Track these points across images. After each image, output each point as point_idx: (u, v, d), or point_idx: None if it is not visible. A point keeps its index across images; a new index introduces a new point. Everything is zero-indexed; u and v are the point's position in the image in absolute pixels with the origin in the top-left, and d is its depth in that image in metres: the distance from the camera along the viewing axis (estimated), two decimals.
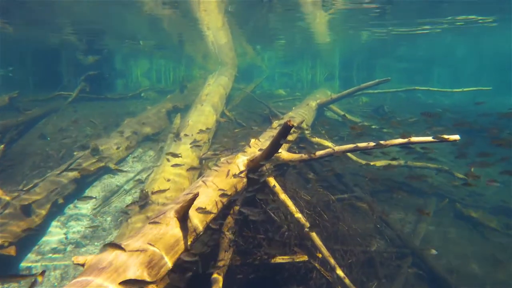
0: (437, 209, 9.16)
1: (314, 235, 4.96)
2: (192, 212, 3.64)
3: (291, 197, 6.23)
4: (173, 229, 3.36)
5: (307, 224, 5.03)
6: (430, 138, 4.46)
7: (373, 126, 13.49)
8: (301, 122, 8.52)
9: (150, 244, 3.11)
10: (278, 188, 5.40)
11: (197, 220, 3.65)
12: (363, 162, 9.32)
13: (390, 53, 28.75)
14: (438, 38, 22.50)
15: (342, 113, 14.13)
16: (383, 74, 14.54)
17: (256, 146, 5.86)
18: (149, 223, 3.41)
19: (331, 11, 14.11)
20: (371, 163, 9.31)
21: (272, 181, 5.48)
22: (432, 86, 15.88)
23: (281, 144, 4.24)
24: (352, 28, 18.22)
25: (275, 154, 5.35)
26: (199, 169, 8.46)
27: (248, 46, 23.02)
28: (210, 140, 10.47)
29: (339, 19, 16.00)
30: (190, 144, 8.20)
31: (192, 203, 3.24)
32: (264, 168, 5.57)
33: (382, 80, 10.95)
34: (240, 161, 4.98)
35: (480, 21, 18.07)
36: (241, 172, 4.73)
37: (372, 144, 5.12)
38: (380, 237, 7.95)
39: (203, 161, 9.14)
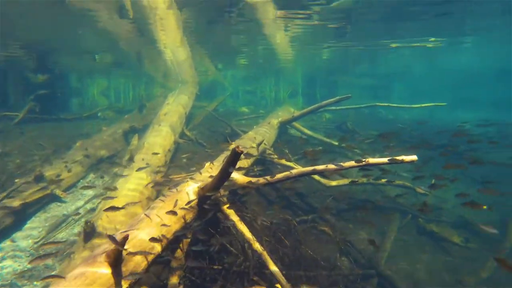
0: (401, 226, 9.19)
1: (271, 263, 4.69)
2: (128, 254, 3.25)
3: (249, 224, 5.95)
4: (101, 277, 2.94)
5: (265, 253, 4.76)
6: (386, 160, 4.38)
7: (335, 143, 13.58)
8: (261, 142, 8.33)
9: None
10: (233, 216, 5.11)
11: (134, 263, 3.26)
12: (324, 181, 9.23)
13: (351, 70, 29.73)
14: (396, 55, 23.54)
15: (306, 130, 14.16)
16: (346, 91, 14.84)
17: (210, 171, 5.56)
18: (77, 268, 2.98)
19: (290, 32, 14.33)
20: (334, 183, 9.24)
21: (227, 208, 5.19)
22: (393, 102, 16.40)
23: (231, 172, 3.98)
24: (313, 46, 18.61)
25: (231, 179, 5.08)
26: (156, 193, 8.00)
27: (210, 64, 22.89)
28: (167, 162, 10.02)
29: (300, 38, 16.27)
30: (137, 169, 7.69)
31: (122, 247, 2.87)
32: (219, 194, 5.27)
33: (343, 97, 11.07)
34: (190, 189, 4.64)
35: (431, 44, 19.20)
36: (189, 203, 4.39)
37: (330, 166, 4.98)
38: (345, 258, 7.83)
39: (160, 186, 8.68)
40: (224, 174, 3.99)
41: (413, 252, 8.40)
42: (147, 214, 3.95)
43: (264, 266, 5.32)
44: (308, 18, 12.91)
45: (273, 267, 4.62)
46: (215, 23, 13.09)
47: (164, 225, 3.83)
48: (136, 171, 7.59)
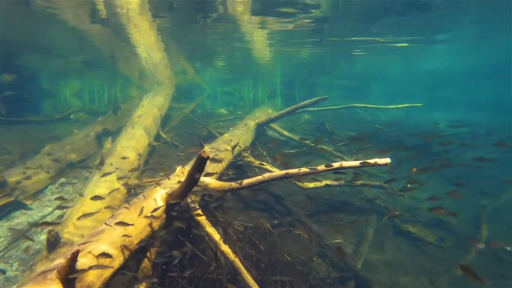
0: (378, 226, 9.24)
1: (243, 270, 4.54)
2: (92, 261, 3.04)
3: (224, 229, 5.80)
4: None
5: (237, 260, 4.62)
6: (358, 163, 4.32)
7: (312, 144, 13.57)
8: (236, 145, 8.18)
9: None
10: (204, 222, 4.94)
11: (91, 278, 3.04)
12: (301, 184, 9.17)
13: (330, 71, 29.97)
14: (372, 56, 23.88)
15: (284, 132, 14.11)
16: (325, 92, 14.89)
17: (182, 176, 5.37)
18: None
19: (267, 30, 14.24)
20: (311, 185, 9.19)
21: (199, 214, 5.01)
22: (371, 103, 16.61)
23: (197, 178, 3.82)
24: (291, 46, 18.60)
25: (203, 184, 4.91)
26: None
27: (187, 64, 22.54)
28: (141, 166, 9.72)
29: (277, 38, 16.23)
30: (103, 175, 7.39)
31: (73, 263, 2.66)
32: (190, 199, 5.09)
33: (320, 98, 11.09)
34: (159, 195, 4.44)
35: (405, 44, 19.61)
36: (155, 210, 4.19)
37: (303, 170, 4.89)
38: (322, 261, 7.78)
39: (132, 190, 8.40)
40: (191, 180, 3.82)
41: (390, 253, 8.45)
42: (108, 224, 3.73)
43: (237, 273, 5.19)
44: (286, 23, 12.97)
45: (246, 275, 4.48)
46: (190, 24, 12.86)
47: (126, 235, 3.61)
48: (102, 176, 7.28)
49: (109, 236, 3.55)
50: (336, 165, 4.53)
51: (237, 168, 9.66)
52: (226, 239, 5.71)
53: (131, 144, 9.88)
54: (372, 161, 4.32)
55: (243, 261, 5.42)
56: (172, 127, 15.53)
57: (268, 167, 8.91)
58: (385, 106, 16.06)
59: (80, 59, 19.55)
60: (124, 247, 3.45)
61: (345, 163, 4.53)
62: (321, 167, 4.69)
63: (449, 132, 15.96)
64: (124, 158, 8.27)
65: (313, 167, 4.84)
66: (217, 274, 5.30)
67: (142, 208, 4.13)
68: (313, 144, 11.72)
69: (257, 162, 8.31)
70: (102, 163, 8.42)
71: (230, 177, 7.87)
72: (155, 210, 4.14)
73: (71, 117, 17.95)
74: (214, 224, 5.36)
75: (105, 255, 3.19)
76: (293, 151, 13.30)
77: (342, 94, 37.92)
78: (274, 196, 9.45)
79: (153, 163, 11.91)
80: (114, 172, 7.22)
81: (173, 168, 7.77)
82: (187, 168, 5.89)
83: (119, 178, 7.68)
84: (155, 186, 4.63)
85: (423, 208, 10.14)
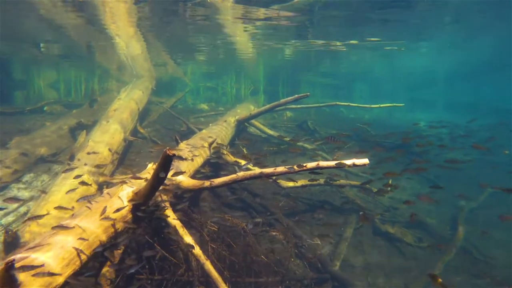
0: (357, 226, 9.20)
1: (213, 273, 4.34)
2: (28, 277, 2.67)
3: (197, 230, 5.59)
4: None
5: (208, 263, 4.41)
6: (334, 164, 4.17)
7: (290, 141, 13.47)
8: (213, 142, 7.95)
9: None
10: (175, 222, 4.71)
11: (39, 283, 2.76)
12: (282, 182, 9.01)
13: (314, 69, 29.93)
14: (357, 56, 23.96)
15: (265, 129, 13.94)
16: (308, 89, 14.88)
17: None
18: None
19: (251, 26, 13.99)
20: (291, 184, 9.04)
21: (170, 213, 4.78)
22: (354, 102, 16.63)
23: (163, 177, 3.58)
24: (274, 42, 18.41)
25: (175, 182, 4.67)
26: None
27: (168, 58, 22.02)
28: (115, 162, 9.36)
29: (260, 34, 16.00)
30: (64, 171, 7.02)
31: (9, 272, 2.37)
32: (160, 198, 4.84)
33: (301, 96, 10.93)
34: (124, 194, 4.17)
35: (389, 47, 19.74)
36: (119, 210, 3.92)
37: (279, 169, 4.72)
38: (300, 262, 7.67)
39: (104, 186, 8.07)
40: (156, 179, 3.58)
41: (368, 253, 8.42)
42: (65, 225, 3.44)
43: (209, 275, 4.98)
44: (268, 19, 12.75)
45: (216, 278, 4.27)
46: (170, 15, 12.48)
47: (82, 238, 3.33)
48: (63, 172, 6.92)
49: (63, 239, 3.26)
50: (312, 164, 4.38)
51: (214, 165, 9.44)
52: (199, 239, 5.50)
53: (105, 139, 9.49)
54: (349, 162, 4.18)
55: (216, 263, 5.22)
56: (151, 122, 15.14)
57: (245, 164, 8.70)
58: (368, 105, 16.06)
59: (56, 49, 18.75)
60: (80, 252, 3.18)
61: (322, 163, 4.37)
62: (297, 167, 4.53)
63: (429, 132, 16.20)
64: (95, 153, 7.90)
65: (290, 166, 4.67)
66: (188, 277, 5.09)
67: (105, 207, 3.85)
68: (292, 142, 11.60)
69: (234, 159, 8.08)
70: (72, 158, 8.04)
71: (205, 174, 7.65)
72: (119, 210, 3.87)
73: (45, 109, 17.20)
74: (187, 224, 5.14)
75: (49, 270, 2.87)
76: (272, 148, 13.18)
77: (326, 92, 38.08)
78: (253, 194, 9.28)
79: (128, 159, 11.56)
80: (76, 168, 6.85)
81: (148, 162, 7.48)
82: None
83: (88, 175, 7.33)
84: (121, 184, 4.35)
85: (402, 208, 10.20)
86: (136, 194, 4.09)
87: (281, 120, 18.98)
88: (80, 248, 3.23)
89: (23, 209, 8.53)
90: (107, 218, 3.77)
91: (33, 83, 21.84)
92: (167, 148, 3.12)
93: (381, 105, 16.27)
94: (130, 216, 4.16)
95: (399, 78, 39.52)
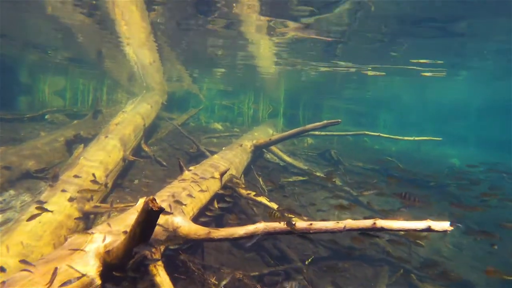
0: (390, 283, 7.81)
1: None
2: None
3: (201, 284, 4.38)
4: None
5: None
6: (397, 226, 2.93)
7: (318, 174, 12.33)
8: (225, 172, 6.78)
9: None
10: (167, 284, 3.49)
11: None
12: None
13: (338, 94, 28.89)
14: (386, 81, 22.88)
15: (285, 156, 12.78)
16: (331, 114, 13.73)
17: None
18: None
19: (277, 39, 13.03)
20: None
21: (158, 271, 3.57)
22: (378, 131, 15.51)
23: (148, 235, 2.40)
24: (299, 62, 17.48)
25: (172, 227, 3.50)
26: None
27: (185, 72, 21.28)
28: (109, 185, 8.26)
29: (286, 51, 15.08)
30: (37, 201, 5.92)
31: None
32: (148, 252, 3.64)
33: (331, 122, 9.77)
34: (93, 249, 2.97)
35: (428, 73, 18.52)
36: (79, 278, 2.69)
37: (318, 225, 3.50)
38: None
39: (90, 216, 6.94)
40: (133, 240, 2.41)
41: None
42: None
43: None
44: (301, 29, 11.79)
45: None
46: (188, 22, 11.65)
47: None
48: (36, 202, 5.81)
49: None
50: (365, 223, 3.13)
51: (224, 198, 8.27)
52: None
53: (100, 157, 8.43)
54: (422, 224, 2.93)
55: None
56: (158, 140, 14.18)
57: (263, 200, 7.49)
58: (400, 137, 14.79)
59: (64, 54, 18.20)
60: None
61: (381, 223, 3.13)
62: (345, 223, 3.29)
63: (471, 176, 14.50)
64: (75, 176, 6.80)
65: (336, 221, 3.45)
66: None
67: (56, 269, 2.63)
68: (325, 179, 10.37)
69: (251, 194, 6.87)
70: (55, 177, 6.97)
71: (215, 213, 6.45)
72: (79, 278, 2.66)
73: (46, 117, 16.48)
74: (189, 277, 3.92)
75: None
76: (291, 179, 12.03)
77: (348, 118, 36.86)
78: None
79: (128, 180, 10.49)
80: (46, 202, 5.76)
81: (148, 190, 6.38)
82: (159, 200, 4.46)
83: (71, 200, 6.22)
84: (91, 232, 3.18)
85: (441, 261, 8.75)
86: (107, 254, 2.90)
87: (302, 147, 17.78)
88: None
89: None
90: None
91: (39, 89, 21.35)
92: (151, 198, 1.98)
93: (416, 138, 15.03)
94: (98, 282, 2.96)
95: (428, 108, 38.06)
